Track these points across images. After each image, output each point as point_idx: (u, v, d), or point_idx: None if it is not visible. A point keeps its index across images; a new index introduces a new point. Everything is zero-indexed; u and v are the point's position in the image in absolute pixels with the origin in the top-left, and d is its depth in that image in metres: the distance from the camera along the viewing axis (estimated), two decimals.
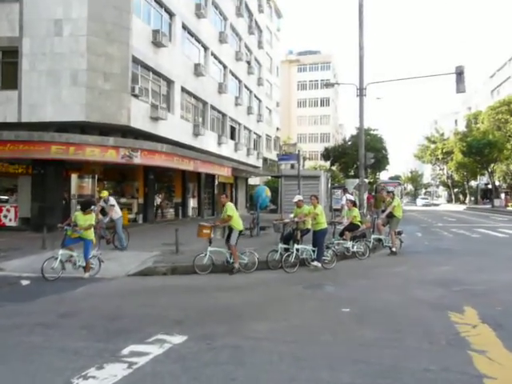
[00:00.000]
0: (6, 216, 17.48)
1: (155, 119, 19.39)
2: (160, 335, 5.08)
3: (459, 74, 17.55)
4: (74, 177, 18.50)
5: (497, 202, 54.06)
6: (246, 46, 35.04)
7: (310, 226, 10.31)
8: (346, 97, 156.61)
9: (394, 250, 12.51)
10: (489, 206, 54.50)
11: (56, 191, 17.33)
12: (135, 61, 17.96)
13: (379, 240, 13.10)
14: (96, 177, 19.36)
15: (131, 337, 5.07)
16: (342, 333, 5.15)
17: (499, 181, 58.39)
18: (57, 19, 16.32)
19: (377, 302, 6.72)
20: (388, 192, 13.77)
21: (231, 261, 9.66)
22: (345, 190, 19.23)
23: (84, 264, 9.16)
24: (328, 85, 20.67)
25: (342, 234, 12.09)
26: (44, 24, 16.35)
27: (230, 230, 9.84)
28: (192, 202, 28.58)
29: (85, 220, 9.10)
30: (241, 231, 9.95)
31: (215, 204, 31.56)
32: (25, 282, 8.56)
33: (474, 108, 76.66)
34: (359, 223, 12.29)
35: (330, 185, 32.79)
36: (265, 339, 4.96)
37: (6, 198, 18.03)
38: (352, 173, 50.53)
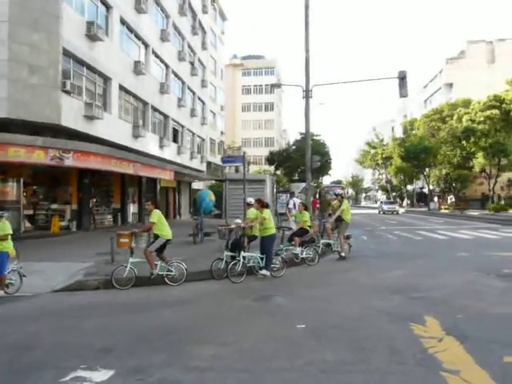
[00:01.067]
0: None
1: (90, 118, 17.94)
2: (80, 371, 4.13)
3: (402, 78, 17.74)
4: None
5: (432, 205, 56.72)
6: (190, 47, 34.03)
7: (257, 232, 9.63)
8: (290, 102, 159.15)
9: (342, 254, 12.13)
10: (425, 209, 57.00)
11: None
12: (67, 54, 16.50)
13: (328, 245, 12.69)
14: (22, 181, 17.51)
15: (42, 375, 4.07)
16: (300, 356, 4.45)
17: (433, 185, 61.28)
18: None
19: (333, 314, 6.12)
20: (336, 195, 13.40)
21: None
22: (292, 194, 18.84)
23: None
24: (274, 86, 20.42)
25: (290, 240, 11.51)
26: None
27: (155, 238, 8.86)
28: (132, 208, 27.08)
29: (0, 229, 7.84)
30: (168, 240, 8.95)
31: (157, 209, 30.13)
32: None
33: (409, 116, 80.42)
34: (308, 228, 11.80)
35: (275, 189, 32.46)
36: (210, 369, 4.15)
37: None
38: (296, 177, 50.82)
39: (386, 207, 52.19)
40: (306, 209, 12.36)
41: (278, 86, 22.13)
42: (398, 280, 8.65)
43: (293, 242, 11.36)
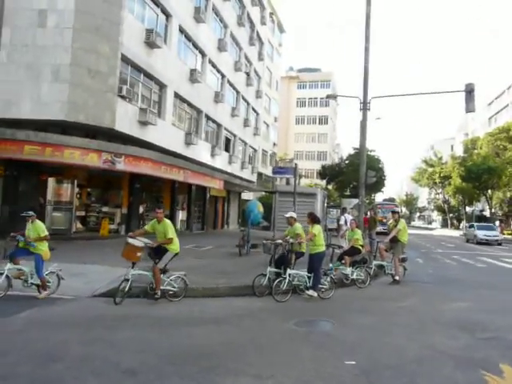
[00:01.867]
0: None
1: (144, 124, 18.08)
2: None
3: (469, 92, 16.48)
4: (51, 181, 17.05)
5: None
6: (246, 57, 34.06)
7: (305, 249, 8.98)
8: (344, 116, 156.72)
9: (397, 278, 11.16)
10: None
11: (30, 195, 15.89)
12: (125, 60, 16.74)
13: (381, 266, 11.75)
14: (75, 182, 17.90)
15: None
16: None
17: (495, 208, 57.46)
18: (41, 9, 15.13)
19: (388, 351, 5.33)
20: (393, 212, 12.44)
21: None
22: (344, 210, 17.82)
23: (37, 281, 7.74)
24: (330, 96, 19.74)
25: (340, 259, 10.73)
26: (27, 14, 15.14)
27: (164, 250, 8.04)
28: (181, 215, 27.11)
29: (34, 230, 7.71)
30: (176, 254, 8.23)
31: (205, 218, 30.14)
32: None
33: (470, 134, 76.38)
34: (360, 247, 10.96)
35: (326, 204, 31.52)
36: None
37: None
38: (348, 192, 49.44)
39: (481, 234, 31.74)
40: (357, 226, 11.54)
41: (334, 97, 21.44)
42: (461, 313, 7.65)
43: (343, 261, 10.59)
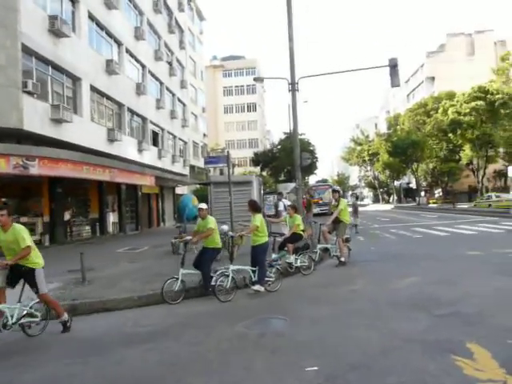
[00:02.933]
0: None
1: (58, 121, 16.40)
2: None
3: (393, 66, 16.58)
4: None
5: (420, 200, 56.13)
6: (167, 46, 32.57)
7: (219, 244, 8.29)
8: (272, 102, 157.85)
9: (342, 259, 10.88)
10: (413, 204, 56.37)
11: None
12: (27, 51, 14.96)
13: (326, 249, 11.41)
14: None
15: None
16: None
17: (420, 180, 60.73)
18: None
19: (349, 346, 4.79)
20: (334, 192, 12.11)
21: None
22: (280, 195, 17.38)
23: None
24: (258, 80, 19.20)
25: (282, 247, 10.20)
26: None
27: (29, 270, 5.94)
28: (112, 217, 25.46)
29: None
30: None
31: (139, 217, 28.60)
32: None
33: (392, 112, 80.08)
34: (302, 232, 10.50)
35: (262, 191, 31.16)
36: None
37: None
38: (282, 177, 49.66)
39: None
40: (296, 211, 11.04)
41: (262, 80, 20.86)
42: (413, 290, 7.38)
43: (285, 249, 10.07)
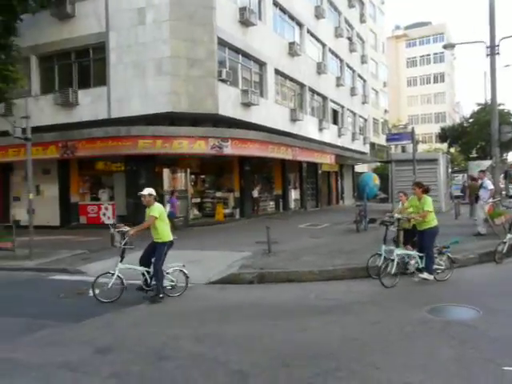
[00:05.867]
0: (104, 214, 17.42)
1: (247, 105, 17.89)
2: None
3: None
4: (166, 172, 17.81)
5: None
6: (347, 21, 31.99)
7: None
8: (463, 71, 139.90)
9: None
10: None
11: (149, 187, 16.69)
12: (221, 43, 16.59)
13: None
14: (188, 171, 18.49)
15: None
16: None
17: None
18: (140, 8, 15.60)
19: None
20: None
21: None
22: (483, 173, 14.05)
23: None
24: (448, 46, 17.17)
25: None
26: (128, 14, 15.74)
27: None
28: (294, 194, 26.72)
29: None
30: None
31: (319, 194, 29.37)
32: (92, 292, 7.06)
33: None
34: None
35: (449, 169, 28.43)
36: None
37: (105, 195, 18.05)
38: (474, 154, 44.31)
39: None
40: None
41: (452, 46, 18.73)
42: None
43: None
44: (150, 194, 7.13)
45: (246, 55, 18.61)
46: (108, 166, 18.10)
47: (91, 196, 18.31)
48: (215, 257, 10.33)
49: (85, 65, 17.29)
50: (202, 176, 20.89)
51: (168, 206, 14.53)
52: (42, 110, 16.72)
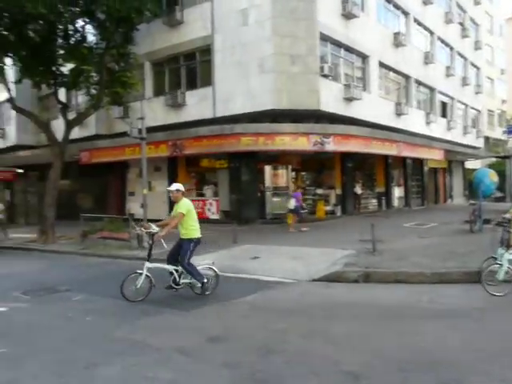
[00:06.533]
0: (209, 209, 18.26)
1: (349, 100, 17.46)
2: None
3: None
4: (267, 168, 18.08)
5: None
6: (458, 5, 29.56)
7: None
8: None
9: None
10: None
11: (251, 183, 17.16)
12: (323, 38, 16.37)
13: None
14: (290, 167, 18.58)
15: None
16: None
17: None
18: (243, 8, 15.98)
19: None
20: None
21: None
22: None
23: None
24: None
25: None
26: (232, 16, 16.23)
27: None
28: (397, 191, 25.48)
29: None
30: None
31: (425, 192, 27.66)
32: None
33: None
34: None
35: None
36: None
37: (210, 191, 18.91)
38: None
39: None
40: None
41: None
42: None
43: None
44: (177, 190, 6.81)
45: (348, 49, 18.13)
46: (212, 163, 18.94)
47: (197, 192, 19.30)
48: (318, 254, 10.23)
49: (192, 67, 18.26)
50: (303, 173, 20.83)
51: (293, 201, 14.85)
52: (154, 112, 18.00)
